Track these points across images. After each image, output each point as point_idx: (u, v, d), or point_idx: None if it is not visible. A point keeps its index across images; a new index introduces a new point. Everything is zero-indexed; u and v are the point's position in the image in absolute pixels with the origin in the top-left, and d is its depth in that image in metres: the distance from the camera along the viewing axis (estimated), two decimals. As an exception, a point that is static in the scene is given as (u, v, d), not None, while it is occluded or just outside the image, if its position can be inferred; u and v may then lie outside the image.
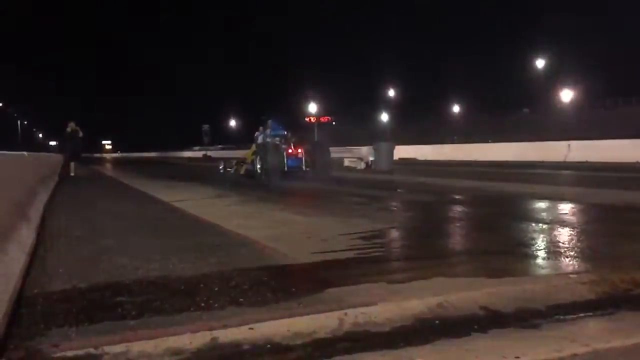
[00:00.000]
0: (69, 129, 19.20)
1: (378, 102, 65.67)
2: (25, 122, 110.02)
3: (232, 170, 17.95)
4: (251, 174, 15.90)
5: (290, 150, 15.47)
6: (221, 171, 18.67)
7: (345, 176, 16.66)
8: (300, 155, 15.45)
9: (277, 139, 16.11)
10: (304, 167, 15.36)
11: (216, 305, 3.05)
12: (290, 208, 8.11)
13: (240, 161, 17.78)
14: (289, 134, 16.46)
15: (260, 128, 17.14)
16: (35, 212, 6.79)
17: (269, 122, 16.73)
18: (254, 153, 16.12)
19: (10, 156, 7.03)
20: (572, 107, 46.81)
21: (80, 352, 2.36)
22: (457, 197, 9.65)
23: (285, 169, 15.01)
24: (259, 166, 15.51)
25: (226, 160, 20.84)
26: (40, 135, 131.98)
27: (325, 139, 17.65)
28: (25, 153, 11.63)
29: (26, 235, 4.90)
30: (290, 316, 2.79)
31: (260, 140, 16.80)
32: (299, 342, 2.48)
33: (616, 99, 44.93)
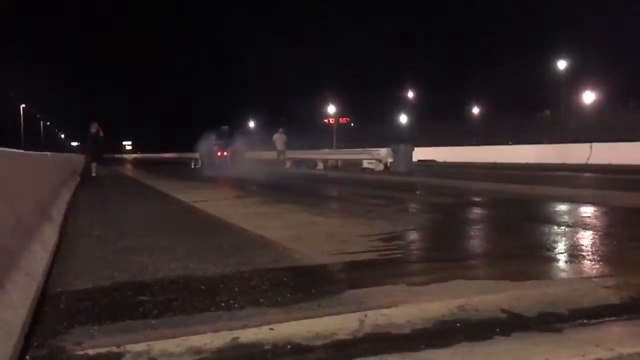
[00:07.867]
0: (93, 130, 19.46)
1: (397, 103, 65.37)
2: (48, 123, 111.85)
3: (198, 166, 29.75)
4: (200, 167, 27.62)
5: (219, 153, 27.99)
6: (193, 167, 30.77)
7: (350, 176, 16.68)
8: (225, 157, 27.62)
9: (215, 145, 28.43)
10: (229, 164, 25.99)
11: (236, 305, 3.06)
12: (310, 209, 8.11)
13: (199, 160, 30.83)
14: (225, 142, 28.88)
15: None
16: (58, 212, 6.89)
17: (214, 135, 29.40)
18: (200, 155, 30.73)
19: (33, 156, 7.14)
20: (593, 108, 46.08)
21: (103, 351, 2.39)
22: (477, 199, 9.57)
23: (216, 164, 26.17)
24: (200, 162, 29.64)
25: (194, 159, 33.37)
26: (63, 135, 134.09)
27: (243, 146, 28.91)
28: (48, 153, 11.80)
29: (49, 234, 4.97)
30: (310, 317, 2.79)
31: (204, 146, 29.71)
32: (319, 343, 2.47)
33: (639, 101, 44.07)
